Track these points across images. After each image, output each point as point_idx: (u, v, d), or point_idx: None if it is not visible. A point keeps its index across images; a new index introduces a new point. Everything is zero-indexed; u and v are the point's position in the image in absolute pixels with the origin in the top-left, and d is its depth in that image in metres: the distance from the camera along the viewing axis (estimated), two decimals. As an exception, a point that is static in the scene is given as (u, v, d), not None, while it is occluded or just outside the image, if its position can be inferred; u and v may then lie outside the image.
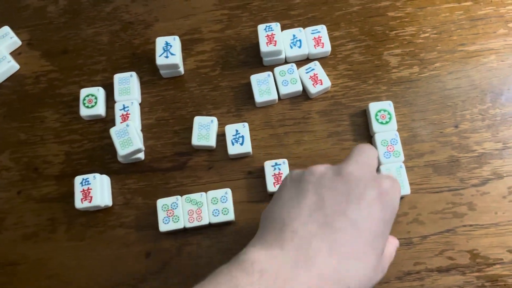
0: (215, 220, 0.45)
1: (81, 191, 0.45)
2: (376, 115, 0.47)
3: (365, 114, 0.49)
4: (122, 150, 0.45)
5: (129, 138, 0.45)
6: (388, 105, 0.47)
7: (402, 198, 0.45)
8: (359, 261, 0.30)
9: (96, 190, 0.45)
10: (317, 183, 0.32)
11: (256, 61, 0.52)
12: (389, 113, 0.47)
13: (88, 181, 0.45)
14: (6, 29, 0.54)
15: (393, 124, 0.46)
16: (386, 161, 0.45)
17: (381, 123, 0.46)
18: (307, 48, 0.50)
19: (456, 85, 0.49)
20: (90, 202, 0.44)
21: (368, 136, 0.48)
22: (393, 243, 0.36)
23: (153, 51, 0.52)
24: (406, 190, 0.44)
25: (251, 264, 0.29)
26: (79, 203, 0.44)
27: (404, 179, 0.44)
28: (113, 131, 0.46)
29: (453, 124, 0.48)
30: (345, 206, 0.30)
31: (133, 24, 0.54)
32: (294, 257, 0.29)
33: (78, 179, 0.45)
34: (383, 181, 0.32)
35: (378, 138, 0.46)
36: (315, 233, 0.30)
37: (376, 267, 0.31)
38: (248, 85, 0.50)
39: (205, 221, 0.45)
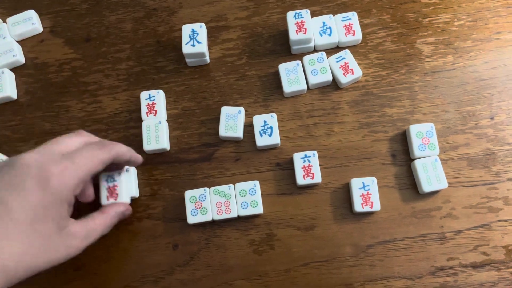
0: (244, 213, 0.44)
1: (107, 188, 0.43)
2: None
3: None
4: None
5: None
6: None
7: (437, 192, 0.44)
8: (14, 241, 0.32)
9: (121, 186, 0.43)
10: None
11: (284, 49, 0.50)
12: (423, 104, 0.45)
13: (113, 178, 0.44)
14: (31, 12, 0.52)
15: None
16: (420, 154, 0.44)
17: (415, 114, 0.45)
18: (337, 36, 0.48)
19: (492, 75, 0.47)
20: (115, 199, 0.43)
21: (400, 127, 0.47)
22: (96, 222, 0.40)
23: (178, 39, 0.51)
24: (443, 184, 0.43)
25: None
26: (105, 200, 0.43)
27: (440, 173, 0.43)
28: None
29: (489, 115, 0.46)
30: (3, 194, 0.33)
31: (157, 11, 0.53)
32: None
33: (103, 177, 0.44)
34: (51, 167, 0.34)
35: (412, 129, 0.44)
36: None
37: (48, 246, 0.34)
38: (276, 74, 0.49)
39: (233, 214, 0.44)
